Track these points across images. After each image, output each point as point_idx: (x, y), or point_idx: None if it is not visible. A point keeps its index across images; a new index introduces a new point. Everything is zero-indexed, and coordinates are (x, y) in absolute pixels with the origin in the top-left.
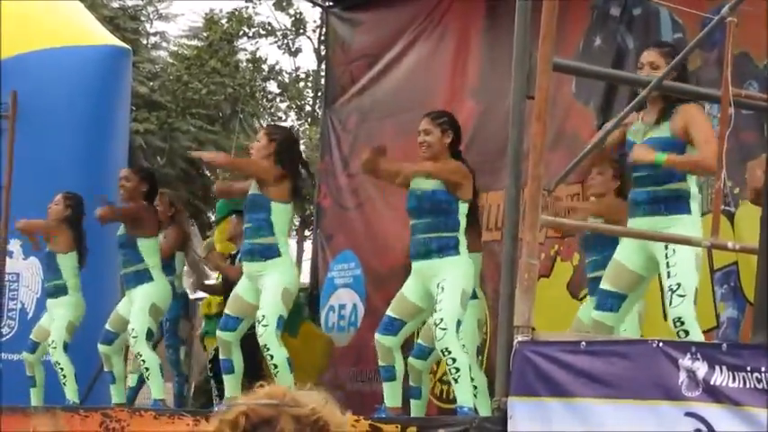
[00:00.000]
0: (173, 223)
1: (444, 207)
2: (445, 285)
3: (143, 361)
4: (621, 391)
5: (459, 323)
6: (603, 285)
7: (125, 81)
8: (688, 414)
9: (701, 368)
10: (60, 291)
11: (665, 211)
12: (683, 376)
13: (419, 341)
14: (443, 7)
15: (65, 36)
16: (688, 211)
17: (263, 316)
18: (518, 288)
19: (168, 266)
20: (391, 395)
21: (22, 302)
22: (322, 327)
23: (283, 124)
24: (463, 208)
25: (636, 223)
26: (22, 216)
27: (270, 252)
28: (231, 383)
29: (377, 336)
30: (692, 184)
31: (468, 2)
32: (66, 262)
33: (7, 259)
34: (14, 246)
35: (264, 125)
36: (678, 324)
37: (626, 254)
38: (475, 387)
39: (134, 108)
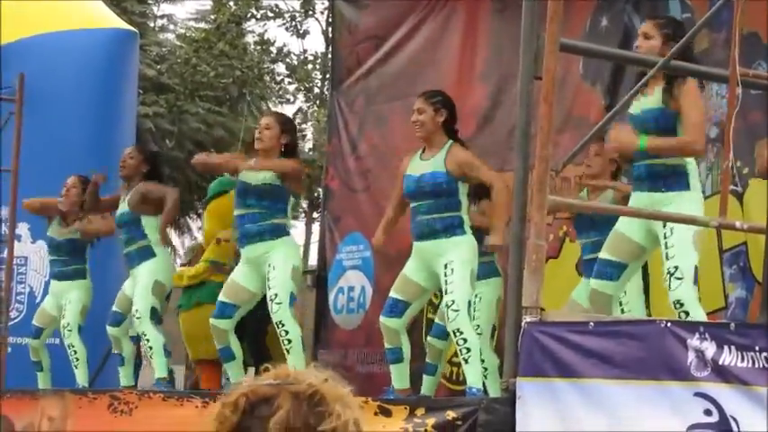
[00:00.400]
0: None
1: (445, 188)
2: (455, 267)
3: (147, 340)
4: (630, 372)
5: (469, 304)
6: (603, 255)
7: (132, 64)
8: (697, 394)
9: (710, 348)
10: (78, 274)
11: (663, 188)
12: (691, 356)
13: (437, 321)
14: None
15: (71, 19)
16: (687, 188)
17: (276, 294)
18: (526, 269)
19: None
20: (399, 377)
21: (30, 286)
22: (331, 309)
23: (291, 107)
24: (463, 188)
25: (637, 198)
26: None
27: (279, 231)
28: (234, 370)
29: (382, 318)
30: (689, 159)
31: None
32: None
33: (15, 243)
34: (22, 229)
35: (270, 108)
36: (678, 306)
37: (627, 224)
38: (485, 369)
39: (142, 91)
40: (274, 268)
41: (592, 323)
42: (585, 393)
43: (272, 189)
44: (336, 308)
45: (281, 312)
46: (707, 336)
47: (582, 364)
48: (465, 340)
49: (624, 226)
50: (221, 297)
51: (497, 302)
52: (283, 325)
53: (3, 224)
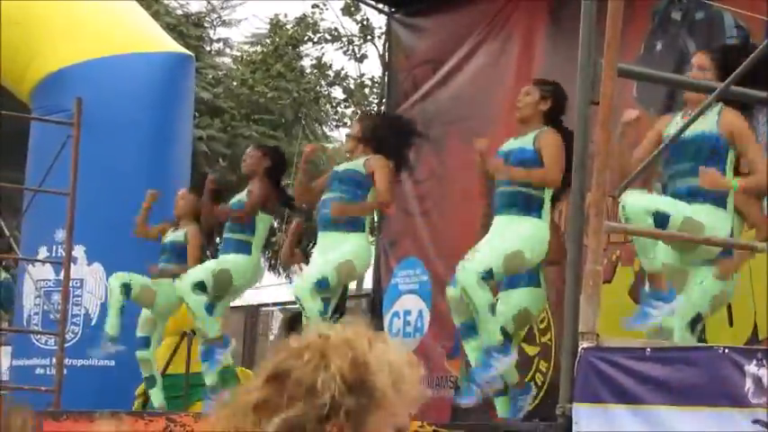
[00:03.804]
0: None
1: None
2: (505, 239)
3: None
4: (688, 398)
5: (488, 273)
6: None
7: (188, 87)
8: (755, 421)
9: (767, 375)
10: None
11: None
12: (749, 383)
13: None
14: (506, 12)
15: (128, 43)
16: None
17: (309, 273)
18: (583, 294)
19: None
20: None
21: (85, 308)
22: (386, 332)
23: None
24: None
25: None
26: (85, 223)
27: (356, 224)
28: None
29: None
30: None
31: (531, 6)
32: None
33: (71, 265)
34: (79, 252)
35: (326, 133)
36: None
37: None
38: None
39: (197, 114)
40: (333, 251)
41: (648, 349)
42: (642, 419)
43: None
44: (392, 332)
45: (298, 290)
46: (764, 362)
47: (638, 390)
48: (470, 298)
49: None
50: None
51: (527, 314)
52: (299, 300)
53: (59, 246)
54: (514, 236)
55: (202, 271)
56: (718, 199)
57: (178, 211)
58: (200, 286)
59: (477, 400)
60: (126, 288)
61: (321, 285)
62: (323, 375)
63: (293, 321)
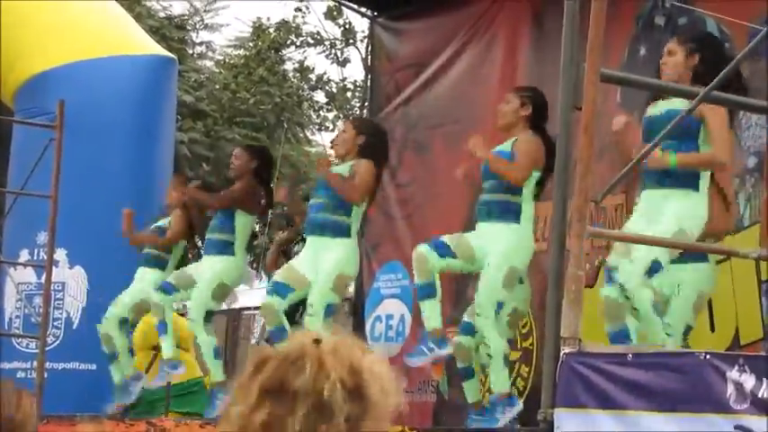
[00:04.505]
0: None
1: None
2: (491, 261)
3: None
4: (670, 404)
5: (499, 306)
6: (612, 262)
7: (171, 90)
8: (737, 427)
9: (749, 380)
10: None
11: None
12: (731, 388)
13: (465, 318)
14: (490, 16)
15: (110, 45)
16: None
17: (311, 305)
18: (565, 299)
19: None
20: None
21: (67, 312)
22: (368, 337)
23: (329, 135)
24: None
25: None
26: (67, 226)
27: (342, 230)
28: None
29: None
30: None
31: (515, 10)
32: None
33: (53, 269)
34: (60, 255)
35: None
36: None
37: (634, 226)
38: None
39: (179, 117)
40: (322, 271)
41: (630, 354)
42: (624, 425)
43: None
44: (374, 336)
45: (311, 326)
46: (746, 368)
47: (621, 396)
48: (488, 346)
49: (631, 225)
50: (275, 277)
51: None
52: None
53: (41, 250)
54: (500, 250)
55: (205, 301)
56: (688, 182)
57: (170, 200)
58: (209, 314)
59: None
60: (123, 322)
61: (329, 311)
62: (327, 384)
63: None
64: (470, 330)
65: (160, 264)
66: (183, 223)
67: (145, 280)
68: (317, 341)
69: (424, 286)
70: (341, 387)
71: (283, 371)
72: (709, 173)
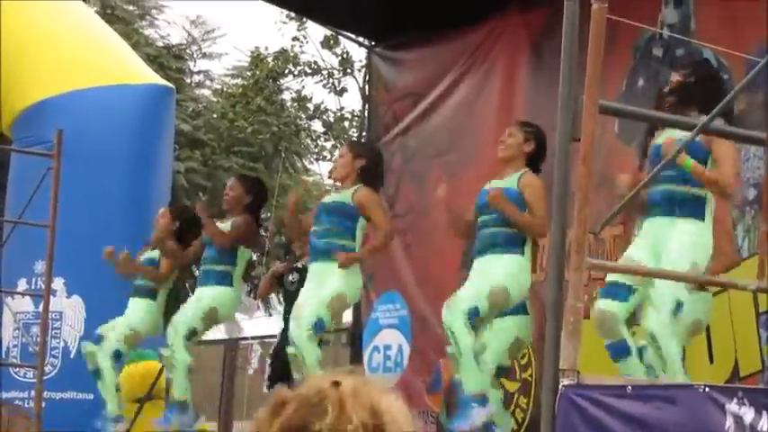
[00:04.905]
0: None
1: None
2: (490, 276)
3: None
4: None
5: (474, 311)
6: (610, 277)
7: (168, 119)
8: None
9: (748, 413)
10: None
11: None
12: (729, 421)
13: None
14: (487, 45)
15: (108, 75)
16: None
17: (302, 316)
18: (563, 331)
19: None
20: None
21: (64, 341)
22: (365, 367)
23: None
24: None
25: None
26: (65, 255)
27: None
28: None
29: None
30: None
31: (513, 40)
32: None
33: (51, 298)
34: (58, 284)
35: (305, 165)
36: (652, 340)
37: (638, 253)
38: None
39: (177, 146)
40: (323, 287)
41: (629, 387)
42: None
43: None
44: (371, 366)
45: (295, 337)
46: (745, 401)
47: (619, 428)
48: (456, 342)
49: (634, 252)
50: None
51: (517, 342)
52: (297, 347)
53: (39, 279)
54: (499, 273)
55: (192, 319)
56: (695, 210)
57: (157, 232)
58: (193, 334)
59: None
60: (117, 354)
61: (318, 328)
62: (350, 427)
63: (276, 358)
64: None
65: (151, 294)
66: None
67: (136, 311)
68: (337, 383)
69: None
70: (363, 430)
71: (304, 414)
72: (714, 203)
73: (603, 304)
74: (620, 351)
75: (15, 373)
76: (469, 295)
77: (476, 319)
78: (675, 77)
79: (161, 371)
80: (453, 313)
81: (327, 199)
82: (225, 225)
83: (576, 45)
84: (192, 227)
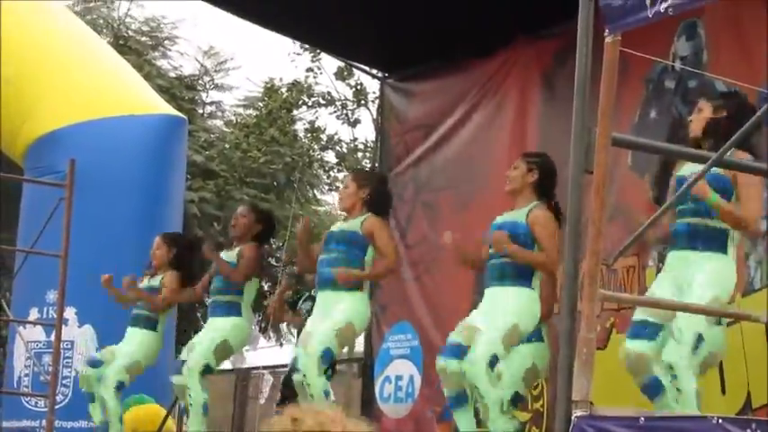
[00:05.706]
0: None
1: (521, 240)
2: (498, 317)
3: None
4: None
5: (494, 359)
6: (637, 316)
7: (181, 150)
8: None
9: None
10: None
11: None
12: None
13: (452, 338)
14: (499, 77)
15: (121, 105)
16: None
17: (310, 345)
18: (576, 362)
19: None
20: None
21: (76, 370)
22: (377, 397)
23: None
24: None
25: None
26: (77, 284)
27: (354, 283)
28: None
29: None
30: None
31: (525, 71)
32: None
33: (62, 327)
34: (69, 313)
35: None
36: (668, 370)
37: (660, 291)
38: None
39: (189, 177)
40: (330, 317)
41: (642, 418)
42: None
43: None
44: (383, 396)
45: (303, 365)
46: None
47: None
48: (482, 397)
49: (656, 288)
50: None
51: (535, 369)
52: (305, 377)
53: (51, 308)
54: (507, 310)
55: (207, 354)
56: (718, 244)
57: (156, 262)
58: (208, 370)
59: None
60: (120, 385)
61: (326, 357)
62: None
63: (285, 386)
64: (457, 353)
65: (150, 325)
66: (178, 283)
67: (135, 342)
68: (296, 420)
69: (452, 398)
70: None
71: None
72: (738, 237)
73: (632, 345)
74: (655, 389)
75: (27, 402)
76: (486, 343)
77: (497, 367)
78: (705, 113)
79: (167, 416)
80: (475, 366)
81: (336, 227)
82: (231, 254)
83: (588, 78)
84: (189, 250)
